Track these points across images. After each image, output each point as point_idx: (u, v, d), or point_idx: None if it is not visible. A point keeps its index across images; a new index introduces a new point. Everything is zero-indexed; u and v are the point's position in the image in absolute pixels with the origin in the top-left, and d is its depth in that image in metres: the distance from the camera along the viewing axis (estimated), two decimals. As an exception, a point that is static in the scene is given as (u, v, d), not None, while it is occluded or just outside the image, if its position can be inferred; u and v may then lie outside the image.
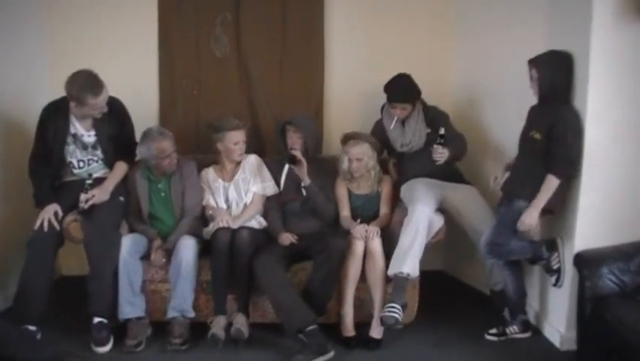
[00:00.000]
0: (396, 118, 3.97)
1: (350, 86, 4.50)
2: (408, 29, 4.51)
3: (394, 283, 3.51)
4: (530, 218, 3.40)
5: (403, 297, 3.46)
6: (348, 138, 3.93)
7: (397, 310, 3.40)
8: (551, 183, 3.36)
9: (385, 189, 3.96)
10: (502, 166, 3.76)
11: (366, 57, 4.50)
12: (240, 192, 3.96)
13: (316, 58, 4.49)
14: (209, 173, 4.03)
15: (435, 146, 3.77)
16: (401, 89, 3.95)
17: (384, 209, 3.93)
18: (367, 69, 4.43)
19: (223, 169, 4.03)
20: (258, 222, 3.93)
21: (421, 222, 3.55)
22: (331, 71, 4.53)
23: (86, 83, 3.56)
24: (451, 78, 4.51)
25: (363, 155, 3.86)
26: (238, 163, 4.03)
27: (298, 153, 3.84)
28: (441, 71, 4.47)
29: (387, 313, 3.40)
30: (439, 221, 3.71)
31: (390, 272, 3.52)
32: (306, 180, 3.85)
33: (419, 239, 3.52)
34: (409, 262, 3.48)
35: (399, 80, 3.95)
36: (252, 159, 4.06)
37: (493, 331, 3.70)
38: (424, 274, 3.62)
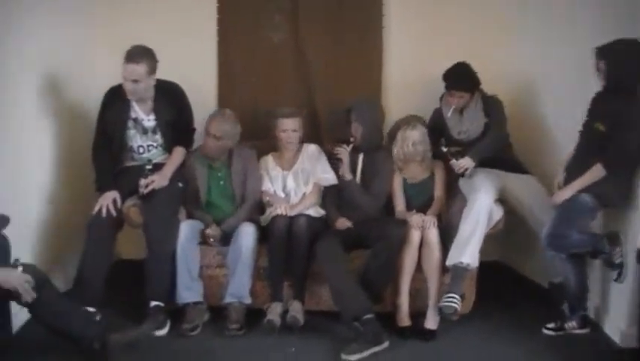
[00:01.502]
0: (453, 106, 3.93)
1: (409, 74, 4.44)
2: (469, 18, 4.44)
3: (453, 273, 3.48)
4: (561, 196, 3.42)
5: (461, 287, 3.45)
6: (403, 123, 3.90)
7: (456, 301, 3.39)
8: (596, 172, 3.34)
9: (439, 173, 3.95)
10: (562, 168, 3.65)
11: (426, 45, 4.44)
12: (298, 182, 3.97)
13: (374, 45, 4.45)
14: (269, 160, 4.04)
15: (450, 163, 3.78)
16: (459, 78, 3.91)
17: (438, 192, 3.91)
18: (427, 57, 4.36)
19: (282, 157, 4.04)
20: (315, 210, 3.92)
21: (482, 211, 3.52)
22: (390, 58, 4.48)
23: (129, 50, 3.61)
24: (511, 67, 4.41)
25: (423, 138, 3.85)
26: (297, 152, 4.02)
27: (340, 150, 3.87)
28: (500, 61, 4.37)
29: (446, 303, 3.39)
30: (498, 211, 3.66)
31: (450, 262, 3.49)
32: (347, 176, 3.87)
33: (479, 229, 3.49)
34: (468, 251, 3.45)
35: (458, 68, 3.91)
36: (312, 148, 4.05)
37: (551, 325, 3.63)
38: (480, 264, 3.57)
